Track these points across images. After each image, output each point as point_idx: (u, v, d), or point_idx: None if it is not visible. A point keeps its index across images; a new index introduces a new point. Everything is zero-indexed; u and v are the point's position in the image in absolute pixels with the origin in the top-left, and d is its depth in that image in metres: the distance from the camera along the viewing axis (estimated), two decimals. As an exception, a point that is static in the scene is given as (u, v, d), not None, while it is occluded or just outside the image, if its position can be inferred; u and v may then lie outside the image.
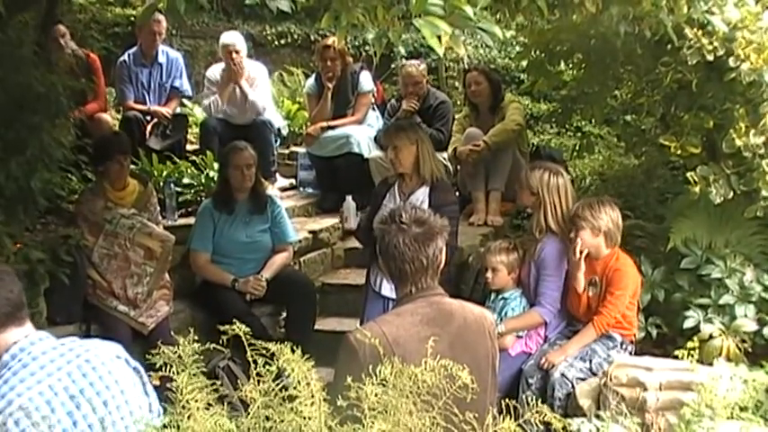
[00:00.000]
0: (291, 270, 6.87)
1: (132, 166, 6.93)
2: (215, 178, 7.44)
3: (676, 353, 5.33)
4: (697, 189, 5.67)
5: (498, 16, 5.41)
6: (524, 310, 5.70)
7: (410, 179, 5.98)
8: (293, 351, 2.80)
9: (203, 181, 7.82)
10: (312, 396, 2.70)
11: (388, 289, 5.81)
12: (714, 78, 5.65)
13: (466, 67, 9.53)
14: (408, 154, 5.90)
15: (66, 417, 2.95)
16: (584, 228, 5.46)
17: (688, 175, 5.75)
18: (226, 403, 2.85)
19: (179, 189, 7.67)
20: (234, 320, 2.96)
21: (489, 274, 5.76)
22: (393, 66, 10.64)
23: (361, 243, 6.73)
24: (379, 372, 2.66)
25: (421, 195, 5.88)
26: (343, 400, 2.64)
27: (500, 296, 5.77)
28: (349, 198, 6.56)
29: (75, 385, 3.02)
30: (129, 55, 8.83)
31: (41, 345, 3.08)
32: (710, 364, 5.21)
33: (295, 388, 2.73)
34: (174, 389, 2.75)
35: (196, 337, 2.90)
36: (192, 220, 6.95)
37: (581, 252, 5.47)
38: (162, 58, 8.85)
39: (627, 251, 5.64)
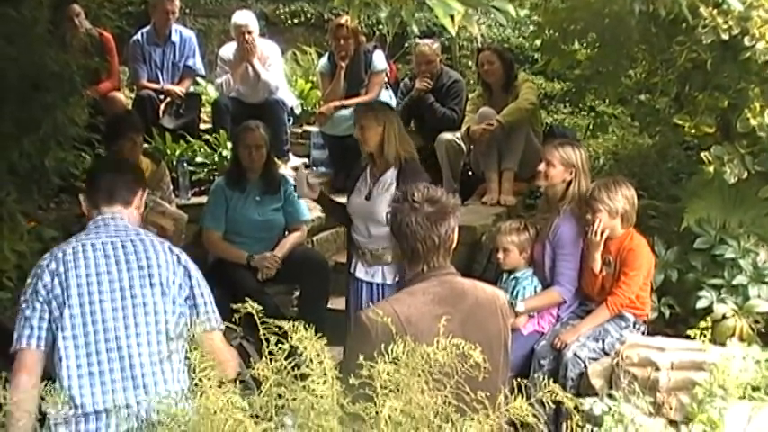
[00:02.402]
0: (305, 249, 6.87)
1: (145, 145, 6.96)
2: (228, 157, 7.46)
3: (689, 333, 5.34)
4: (711, 169, 5.66)
5: (512, -5, 5.39)
6: (536, 289, 5.71)
7: (379, 161, 5.90)
8: (306, 329, 2.82)
9: (216, 160, 7.84)
10: (324, 374, 2.71)
11: (362, 272, 5.80)
12: (729, 58, 5.61)
13: (479, 46, 9.49)
14: (374, 134, 5.81)
15: (93, 268, 3.55)
16: (601, 210, 5.44)
17: (702, 154, 5.73)
18: (238, 381, 2.86)
19: (192, 168, 7.69)
20: (246, 299, 2.97)
21: (500, 255, 5.76)
22: (406, 45, 10.61)
23: (333, 217, 6.69)
24: (392, 350, 2.67)
25: (389, 178, 5.80)
26: (355, 379, 2.65)
27: (512, 276, 5.77)
28: (301, 167, 6.53)
29: (122, 252, 3.62)
30: (142, 34, 8.84)
31: (119, 222, 3.75)
32: (723, 345, 5.21)
33: (307, 366, 2.74)
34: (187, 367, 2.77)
35: (209, 316, 2.92)
36: (204, 199, 6.96)
37: (602, 233, 5.46)
38: (175, 37, 8.86)
39: (640, 231, 5.63)
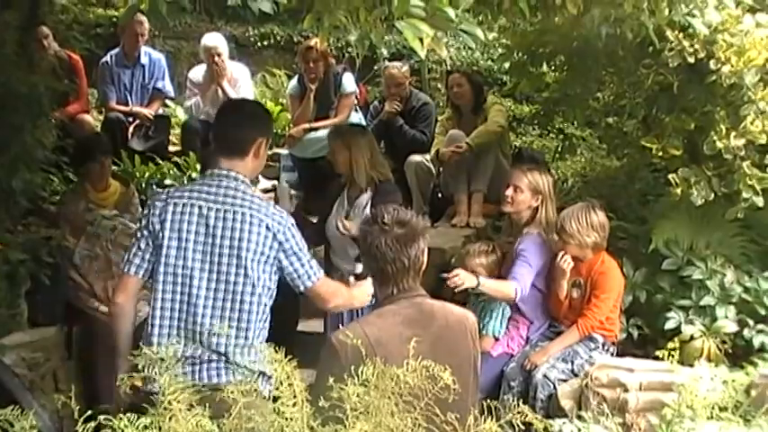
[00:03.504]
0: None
1: (114, 168, 6.93)
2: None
3: (657, 354, 5.36)
4: (678, 191, 5.69)
5: (480, 18, 5.42)
6: (503, 312, 5.70)
7: (353, 183, 5.95)
8: (276, 352, 2.81)
9: (186, 182, 7.81)
10: (294, 397, 2.70)
11: None
12: (695, 81, 5.67)
13: (448, 68, 9.54)
14: (342, 158, 5.89)
15: (192, 235, 3.89)
16: (570, 244, 5.46)
17: (669, 176, 5.77)
18: (207, 405, 2.85)
19: (161, 190, 7.65)
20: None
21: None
22: (376, 67, 10.63)
23: (312, 243, 6.74)
24: (361, 372, 2.67)
25: (364, 200, 5.85)
26: (325, 401, 2.65)
27: (480, 299, 5.77)
28: (283, 182, 6.52)
29: (221, 225, 3.89)
30: (111, 56, 8.81)
31: (230, 183, 3.96)
32: (691, 365, 5.23)
33: (277, 389, 2.73)
34: (156, 390, 2.76)
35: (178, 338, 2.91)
36: (174, 222, 6.93)
37: (568, 264, 5.47)
38: (144, 59, 8.84)
39: (609, 252, 5.65)
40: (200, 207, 3.91)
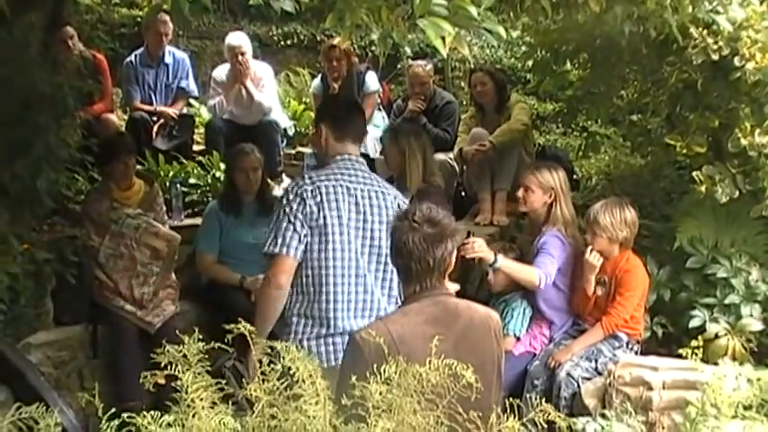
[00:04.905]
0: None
1: (138, 167, 6.95)
2: (221, 178, 7.45)
3: (681, 352, 5.34)
4: (703, 188, 5.67)
5: (503, 16, 5.41)
6: (525, 312, 5.70)
7: (399, 183, 5.97)
8: (298, 350, 2.82)
9: (209, 181, 7.83)
10: (317, 395, 2.70)
11: None
12: (719, 78, 5.64)
13: (472, 67, 9.52)
14: (392, 156, 5.95)
15: (346, 213, 4.24)
16: (602, 237, 5.45)
17: (694, 174, 5.75)
18: (231, 402, 2.86)
19: (185, 189, 7.68)
20: (240, 320, 2.97)
21: (490, 276, 5.74)
22: (399, 66, 10.63)
23: None
24: (384, 370, 2.67)
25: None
26: (347, 399, 2.65)
27: (501, 299, 5.77)
28: None
29: (368, 203, 4.31)
30: (135, 56, 8.83)
31: (363, 168, 4.43)
32: (716, 364, 5.21)
33: (300, 387, 2.74)
34: (179, 388, 2.77)
35: (201, 337, 2.92)
36: (198, 221, 6.95)
37: (597, 259, 5.46)
38: (168, 59, 8.85)
39: (633, 251, 5.64)
40: (347, 187, 4.29)
